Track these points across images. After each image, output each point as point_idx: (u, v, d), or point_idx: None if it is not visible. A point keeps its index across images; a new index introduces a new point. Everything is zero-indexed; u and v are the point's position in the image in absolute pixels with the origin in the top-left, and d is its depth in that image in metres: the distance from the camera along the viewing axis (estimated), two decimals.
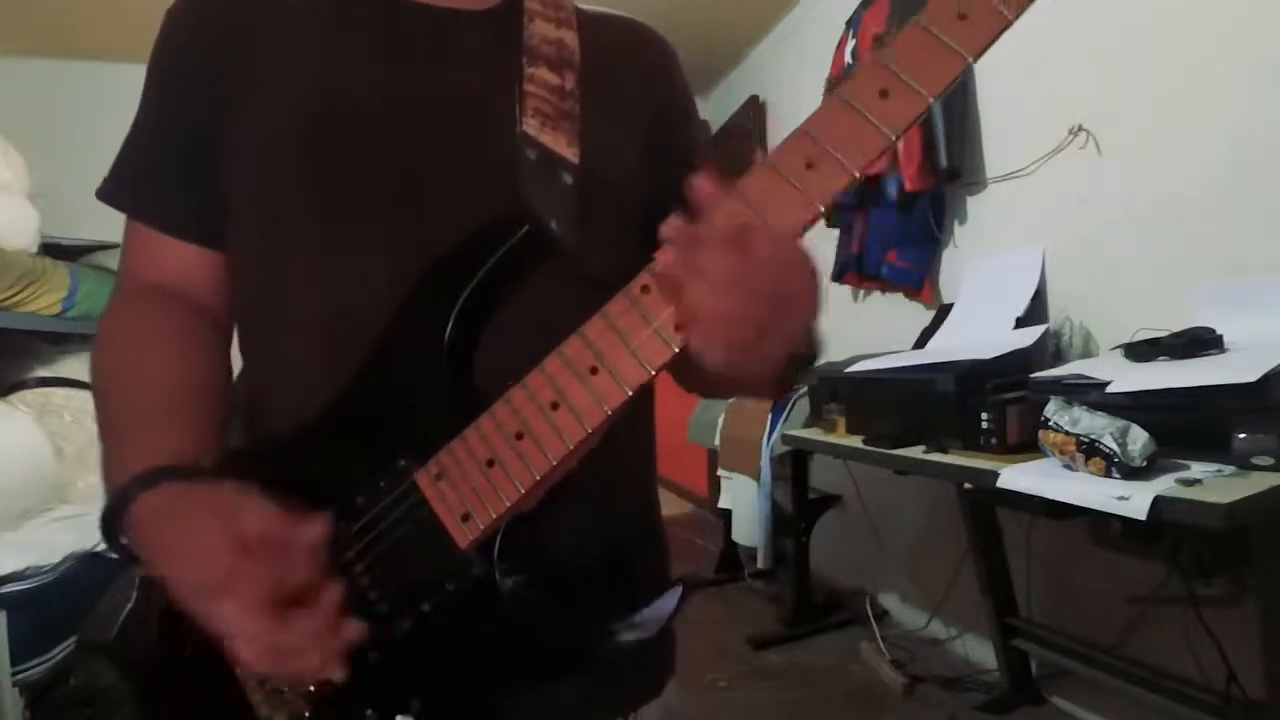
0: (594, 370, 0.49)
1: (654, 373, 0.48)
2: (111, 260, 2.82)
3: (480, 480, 0.51)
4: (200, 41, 0.65)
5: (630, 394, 0.49)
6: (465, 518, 0.52)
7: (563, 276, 0.57)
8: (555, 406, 0.50)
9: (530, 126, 0.62)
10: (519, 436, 0.51)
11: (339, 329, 0.60)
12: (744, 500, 3.03)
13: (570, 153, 0.63)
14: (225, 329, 0.70)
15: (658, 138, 0.72)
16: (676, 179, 0.72)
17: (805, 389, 2.67)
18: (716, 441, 3.25)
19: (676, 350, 0.48)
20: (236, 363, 0.70)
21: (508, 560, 0.52)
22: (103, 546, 0.60)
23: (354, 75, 0.63)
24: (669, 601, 0.52)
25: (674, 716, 0.72)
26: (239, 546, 0.50)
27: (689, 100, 0.79)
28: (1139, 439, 1.33)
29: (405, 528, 0.53)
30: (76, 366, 2.85)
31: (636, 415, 0.69)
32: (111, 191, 0.69)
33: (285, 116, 0.62)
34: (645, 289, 0.49)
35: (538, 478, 0.50)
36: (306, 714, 0.54)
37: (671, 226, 0.48)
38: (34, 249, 2.72)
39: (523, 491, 0.50)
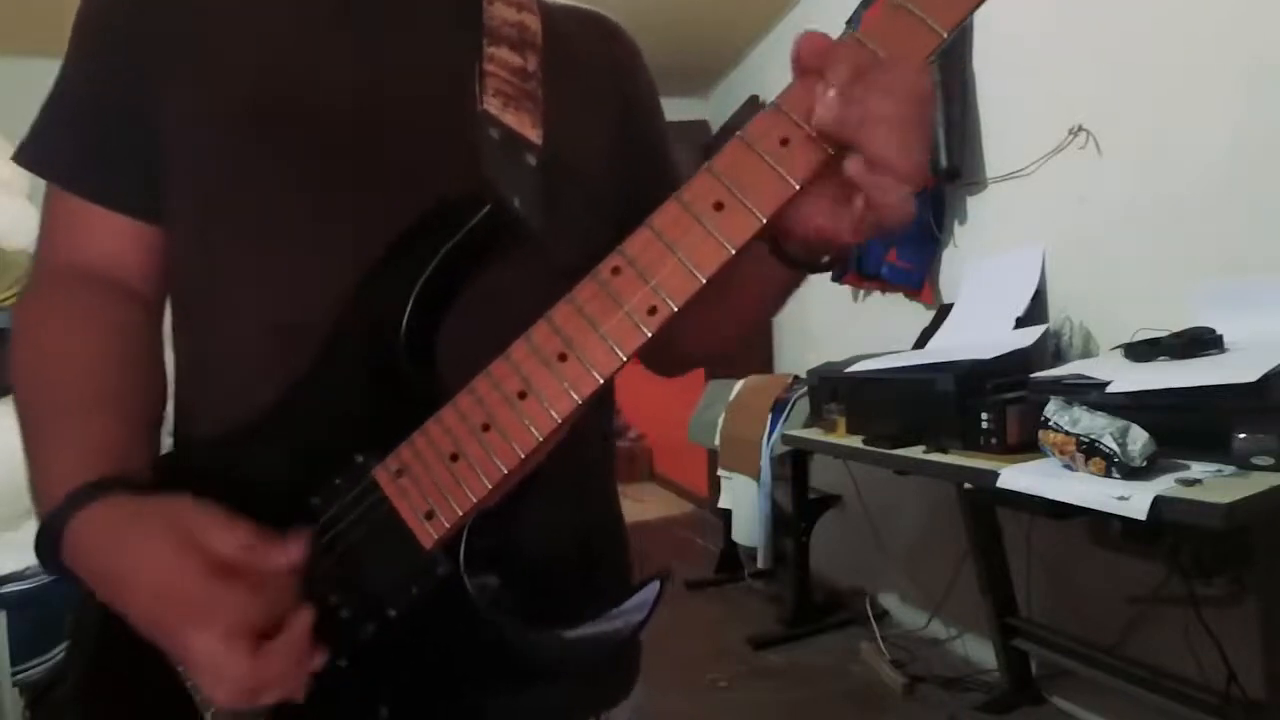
0: (563, 357, 0.47)
1: (626, 358, 0.46)
2: None
3: (444, 475, 0.48)
4: (127, 10, 0.60)
5: (601, 381, 0.46)
6: (429, 515, 0.49)
7: (529, 260, 0.55)
8: (523, 395, 0.47)
9: (492, 106, 0.59)
10: (485, 428, 0.48)
11: (293, 317, 0.56)
12: (744, 500, 3.02)
13: (534, 134, 0.60)
14: (158, 316, 0.64)
15: (627, 129, 0.71)
16: (646, 174, 0.72)
17: (805, 389, 2.67)
18: (716, 441, 3.25)
19: (649, 334, 0.46)
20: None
21: (474, 559, 0.50)
22: None
23: (309, 54, 0.59)
24: (647, 597, 0.50)
25: (645, 716, 0.70)
26: (210, 571, 0.45)
27: (655, 96, 0.77)
28: (1139, 439, 1.32)
29: (365, 528, 0.50)
30: None
31: (599, 402, 0.67)
32: (32, 157, 0.62)
33: (236, 99, 0.57)
34: (616, 270, 0.46)
35: (505, 471, 0.47)
36: None
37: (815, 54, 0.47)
38: (34, 249, 2.73)
39: (489, 487, 0.48)
